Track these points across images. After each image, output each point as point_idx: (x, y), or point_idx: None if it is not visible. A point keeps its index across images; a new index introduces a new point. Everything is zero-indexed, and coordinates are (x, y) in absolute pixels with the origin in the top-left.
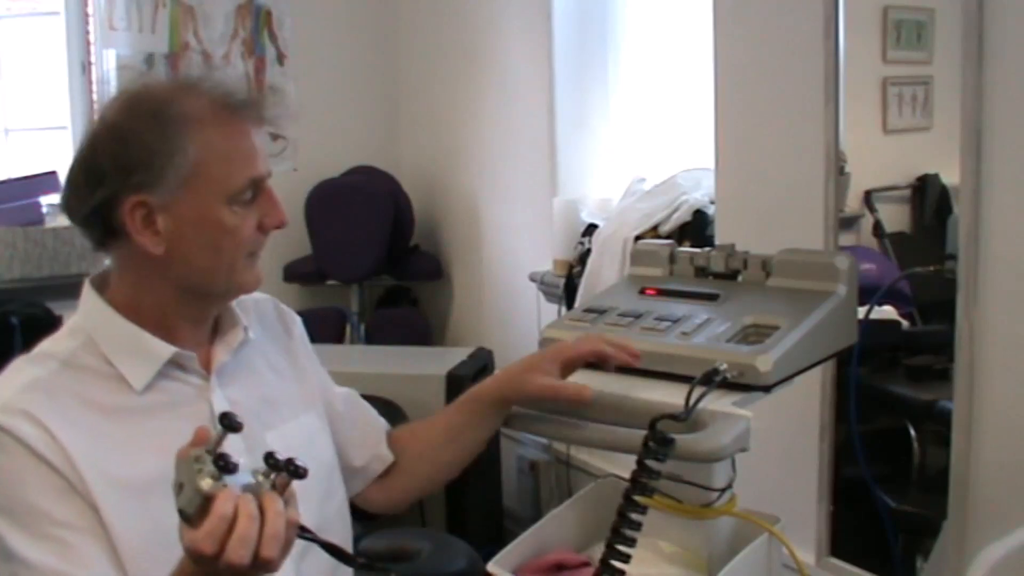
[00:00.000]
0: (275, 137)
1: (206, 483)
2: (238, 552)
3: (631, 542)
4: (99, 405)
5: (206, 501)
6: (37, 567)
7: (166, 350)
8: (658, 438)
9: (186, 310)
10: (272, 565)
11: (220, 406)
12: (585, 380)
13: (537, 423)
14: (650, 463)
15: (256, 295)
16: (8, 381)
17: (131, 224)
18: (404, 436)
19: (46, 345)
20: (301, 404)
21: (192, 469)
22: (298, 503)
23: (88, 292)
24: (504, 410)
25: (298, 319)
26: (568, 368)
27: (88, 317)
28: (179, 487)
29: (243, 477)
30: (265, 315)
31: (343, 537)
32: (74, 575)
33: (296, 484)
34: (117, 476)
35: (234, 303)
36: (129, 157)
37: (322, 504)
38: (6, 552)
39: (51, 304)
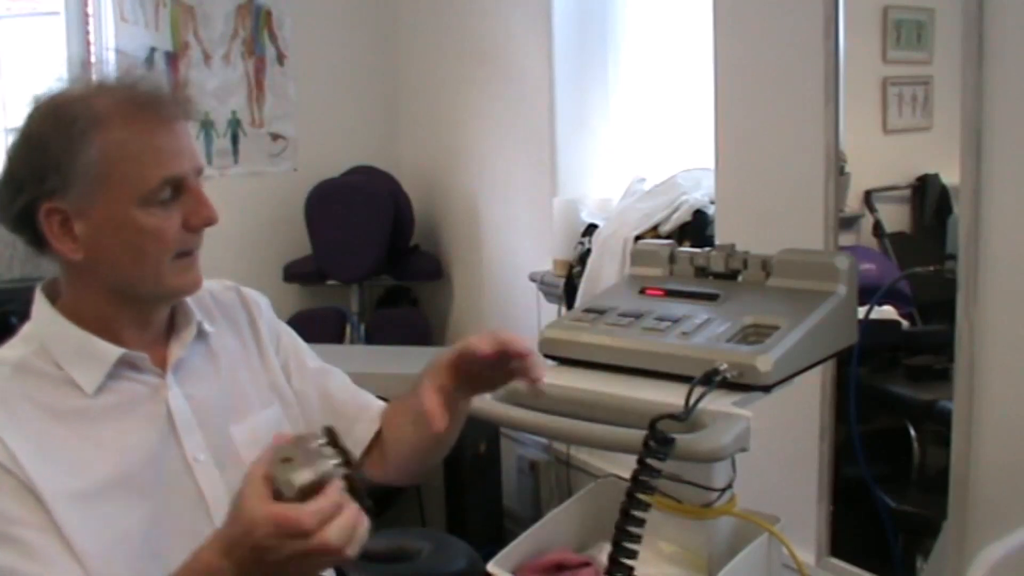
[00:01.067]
0: (275, 137)
1: (324, 466)
2: (339, 536)
3: (637, 539)
4: (52, 409)
5: (319, 483)
6: None
7: (113, 352)
8: (658, 438)
9: (126, 313)
10: (345, 559)
11: (176, 404)
12: (585, 380)
13: (537, 423)
14: (651, 462)
15: (216, 285)
16: None
17: (48, 231)
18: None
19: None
20: (269, 393)
21: (311, 450)
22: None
23: (39, 298)
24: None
25: (263, 301)
26: (453, 374)
27: (39, 323)
28: (286, 460)
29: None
30: (228, 306)
31: None
32: (35, 572)
33: None
34: (68, 483)
35: (189, 298)
36: (39, 163)
37: None
38: None
39: None
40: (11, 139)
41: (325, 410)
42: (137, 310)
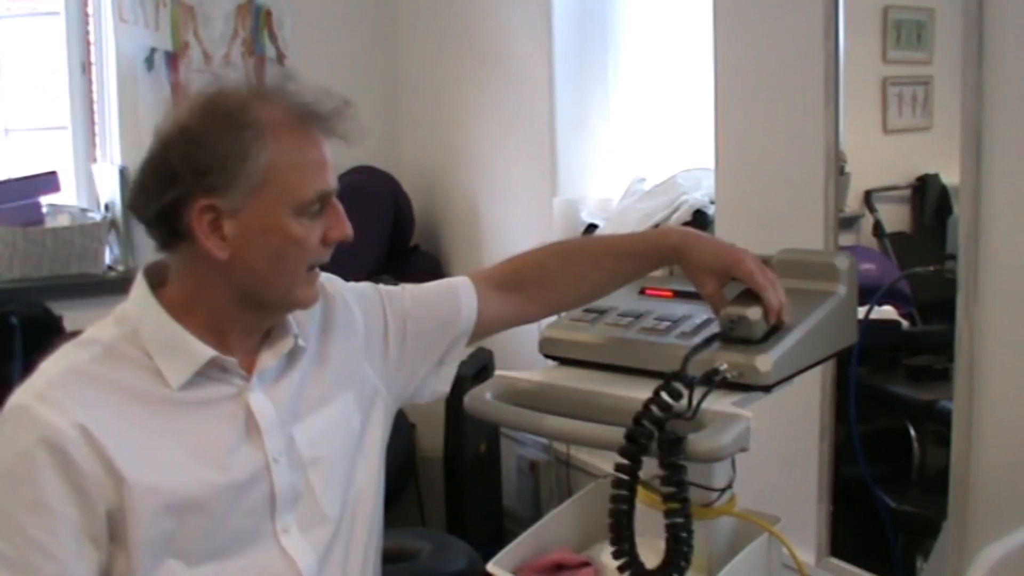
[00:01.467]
0: None
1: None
2: None
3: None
4: (136, 393)
5: None
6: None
7: (205, 353)
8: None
9: (241, 317)
10: None
11: (259, 405)
12: (585, 380)
13: (537, 423)
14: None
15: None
16: (52, 364)
17: (198, 227)
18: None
19: (92, 331)
20: (335, 387)
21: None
22: (323, 487)
23: (140, 283)
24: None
25: (341, 289)
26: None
27: (135, 308)
28: None
29: None
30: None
31: (369, 521)
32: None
33: (317, 470)
34: (147, 469)
35: (290, 314)
36: (201, 160)
37: (345, 489)
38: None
39: (51, 304)
40: (161, 132)
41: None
42: (253, 316)
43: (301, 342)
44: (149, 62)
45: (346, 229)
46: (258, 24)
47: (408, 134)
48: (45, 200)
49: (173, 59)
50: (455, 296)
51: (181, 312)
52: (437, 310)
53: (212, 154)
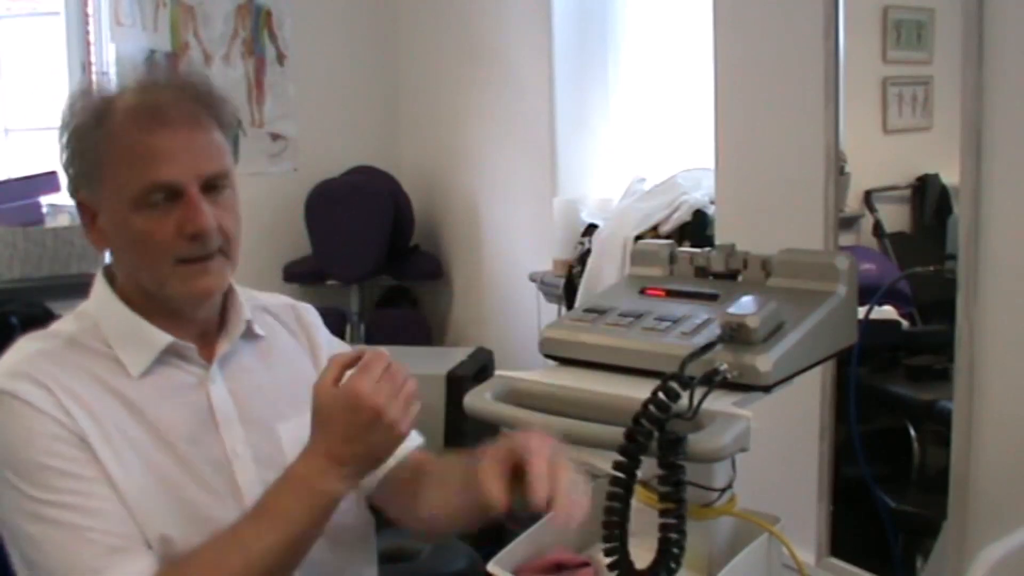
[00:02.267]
0: (275, 137)
1: None
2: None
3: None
4: (101, 380)
5: None
6: (56, 521)
7: (163, 339)
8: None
9: (161, 306)
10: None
11: (218, 396)
12: (585, 380)
13: (537, 423)
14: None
15: (271, 299)
16: (14, 352)
17: (82, 220)
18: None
19: (53, 326)
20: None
21: None
22: None
23: (99, 280)
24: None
25: (313, 315)
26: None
27: (95, 303)
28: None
29: None
30: (283, 316)
31: (360, 532)
32: (90, 525)
33: None
34: (120, 449)
35: (243, 299)
36: (66, 156)
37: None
38: (27, 513)
39: (51, 304)
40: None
41: None
42: (169, 307)
43: (257, 328)
44: (149, 61)
45: (198, 222)
46: (258, 24)
47: (408, 134)
48: (45, 200)
49: (173, 59)
50: None
51: (134, 302)
52: None
53: (71, 150)
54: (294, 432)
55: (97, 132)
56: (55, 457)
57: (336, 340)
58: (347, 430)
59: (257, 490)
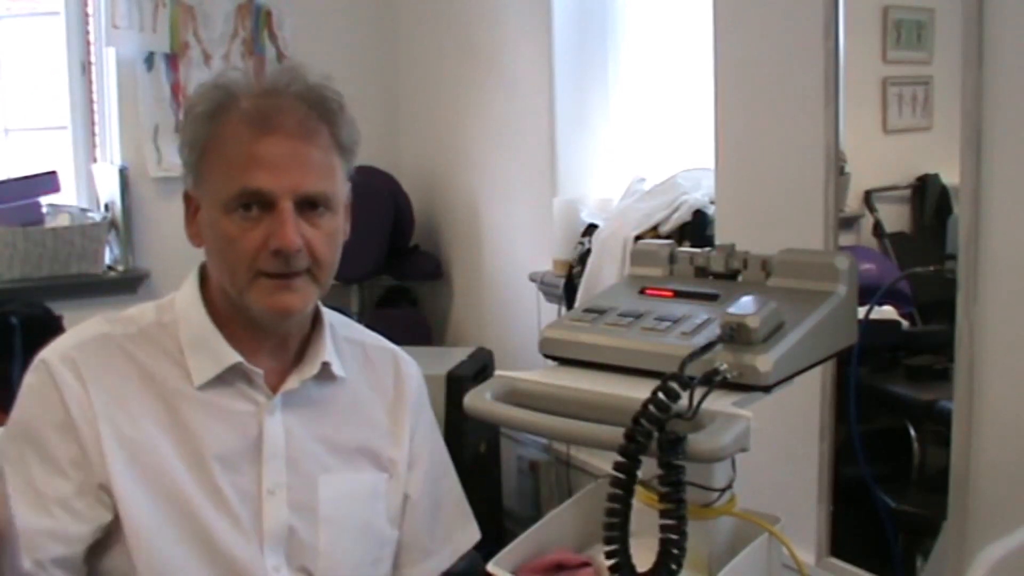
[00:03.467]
0: None
1: None
2: None
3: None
4: (157, 380)
5: None
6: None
7: (231, 357)
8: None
9: (239, 319)
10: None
11: (271, 430)
12: (585, 380)
13: (537, 423)
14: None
15: (374, 341)
16: (80, 330)
17: (185, 212)
18: None
19: (132, 311)
20: (380, 464)
21: None
22: (331, 548)
23: (193, 276)
24: None
25: (417, 380)
26: None
27: (183, 301)
28: None
29: None
30: (380, 366)
31: None
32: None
33: (340, 542)
34: (140, 455)
35: (327, 338)
36: (180, 142)
37: (372, 568)
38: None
39: (51, 304)
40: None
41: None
42: (248, 316)
43: (336, 370)
44: (149, 62)
45: (283, 239)
46: (258, 24)
47: (408, 134)
48: (45, 200)
49: (173, 59)
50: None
51: (222, 308)
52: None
53: (183, 139)
54: (334, 487)
55: (209, 127)
56: (57, 445)
57: (430, 412)
58: None
59: (283, 534)
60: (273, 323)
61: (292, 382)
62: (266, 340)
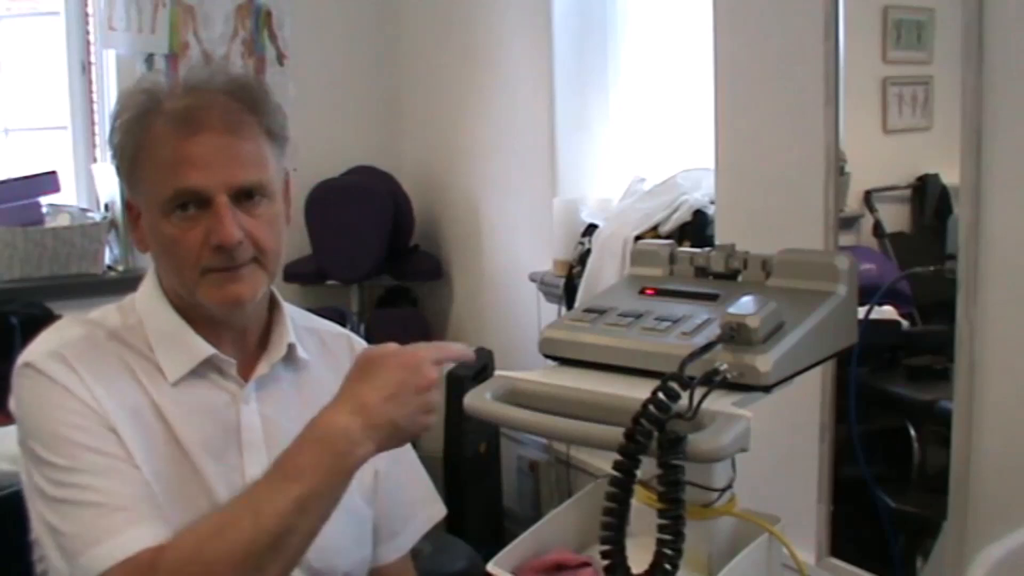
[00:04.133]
0: None
1: None
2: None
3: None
4: (134, 378)
5: None
6: (78, 486)
7: (205, 350)
8: (669, 438)
9: (198, 313)
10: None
11: (248, 419)
12: (585, 380)
13: (537, 423)
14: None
15: (330, 327)
16: (54, 332)
17: (128, 219)
18: None
19: (96, 314)
20: None
21: None
22: (330, 546)
23: (150, 276)
24: None
25: None
26: None
27: (143, 300)
28: None
29: None
30: (336, 351)
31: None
32: (110, 494)
33: (332, 525)
34: (138, 451)
35: (288, 322)
36: (112, 150)
37: (357, 548)
38: (51, 480)
39: (51, 304)
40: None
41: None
42: (205, 313)
43: (301, 352)
44: (149, 62)
45: (222, 234)
46: (258, 24)
47: (408, 134)
48: (45, 200)
49: (173, 59)
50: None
51: (181, 307)
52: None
53: (114, 146)
54: None
55: (138, 132)
56: (80, 431)
57: None
58: (394, 388)
59: None
60: (227, 315)
61: (262, 367)
62: (226, 332)
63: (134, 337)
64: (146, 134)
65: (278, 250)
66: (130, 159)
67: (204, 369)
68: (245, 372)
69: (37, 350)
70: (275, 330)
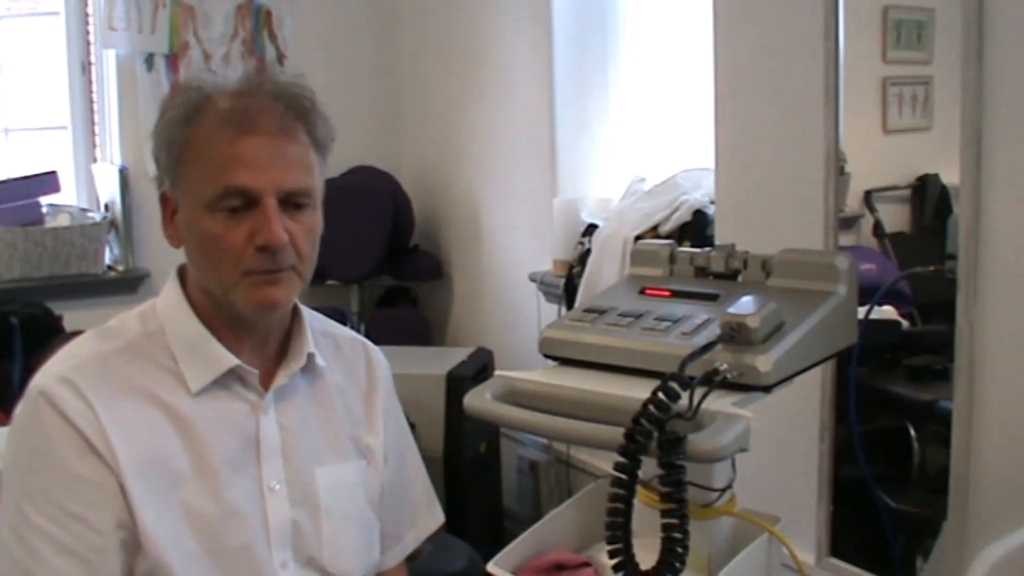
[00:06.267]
0: None
1: None
2: None
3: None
4: (151, 395)
5: None
6: (39, 555)
7: (229, 360)
8: (669, 438)
9: (223, 314)
10: None
11: (267, 429)
12: (585, 380)
13: (537, 423)
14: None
15: (346, 333)
16: (71, 350)
17: (162, 214)
18: None
19: (116, 322)
20: (360, 451)
21: None
22: (333, 538)
23: (172, 280)
24: None
25: (386, 368)
26: None
27: (165, 306)
28: None
29: None
30: (352, 357)
31: None
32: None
33: (340, 531)
34: (149, 460)
35: (308, 331)
36: (155, 145)
37: (362, 554)
38: (17, 532)
39: (51, 304)
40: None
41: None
42: (233, 313)
43: (319, 360)
44: (149, 62)
45: (269, 234)
46: (258, 24)
47: (408, 134)
48: (45, 200)
49: (173, 59)
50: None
51: (205, 307)
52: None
53: (159, 141)
54: (329, 477)
55: (186, 129)
56: (71, 498)
57: (396, 398)
58: None
59: (287, 529)
60: (258, 318)
61: (282, 377)
62: (248, 338)
63: (155, 346)
64: (197, 130)
65: (314, 260)
66: (177, 153)
67: (226, 379)
68: (264, 381)
69: (52, 371)
70: (295, 338)
